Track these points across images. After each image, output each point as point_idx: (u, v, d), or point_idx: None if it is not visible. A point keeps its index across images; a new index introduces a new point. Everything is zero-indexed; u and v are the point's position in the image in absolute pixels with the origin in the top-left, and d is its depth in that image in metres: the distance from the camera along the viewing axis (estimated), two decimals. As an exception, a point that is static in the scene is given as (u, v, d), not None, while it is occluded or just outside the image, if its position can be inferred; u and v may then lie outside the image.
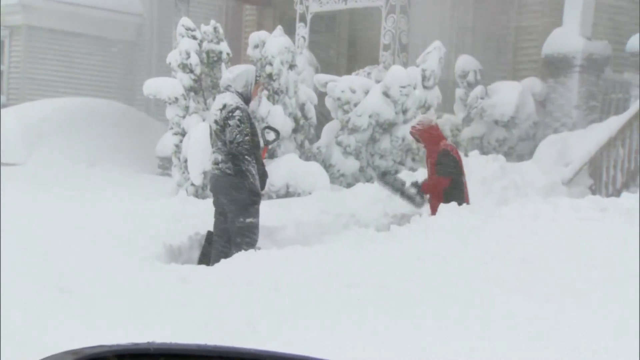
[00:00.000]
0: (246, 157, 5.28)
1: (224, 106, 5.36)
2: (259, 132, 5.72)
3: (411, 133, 6.51)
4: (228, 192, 5.47)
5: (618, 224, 4.35)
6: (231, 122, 5.26)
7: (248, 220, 5.42)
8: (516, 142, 9.99)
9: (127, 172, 11.30)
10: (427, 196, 6.34)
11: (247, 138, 5.26)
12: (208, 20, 9.84)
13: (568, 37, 9.44)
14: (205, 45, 9.34)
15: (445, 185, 6.05)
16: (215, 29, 9.40)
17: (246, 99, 5.49)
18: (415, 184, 6.33)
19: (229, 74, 5.57)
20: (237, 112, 5.28)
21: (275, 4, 14.21)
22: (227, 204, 5.51)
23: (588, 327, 2.89)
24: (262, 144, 5.85)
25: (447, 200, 5.80)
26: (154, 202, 7.71)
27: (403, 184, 6.49)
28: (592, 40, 9.53)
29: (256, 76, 5.55)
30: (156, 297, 3.56)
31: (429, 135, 6.28)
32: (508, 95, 9.82)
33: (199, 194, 8.73)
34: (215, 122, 5.44)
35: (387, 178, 6.66)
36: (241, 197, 5.42)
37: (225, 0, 15.24)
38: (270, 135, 6.06)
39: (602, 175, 8.41)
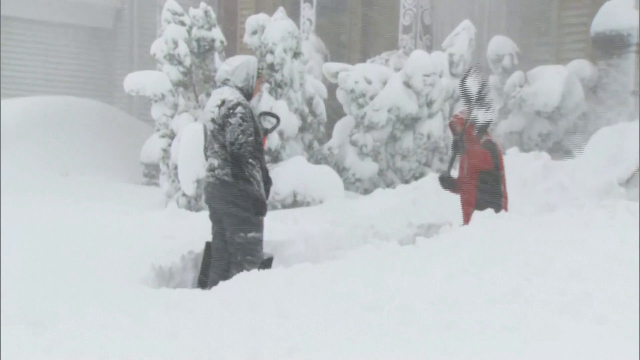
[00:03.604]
0: (250, 160, 5.31)
1: (223, 102, 5.41)
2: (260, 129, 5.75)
3: (451, 123, 6.46)
4: (226, 203, 5.50)
5: (684, 231, 4.34)
6: (232, 120, 5.29)
7: (250, 235, 5.46)
8: (562, 137, 9.99)
9: (107, 182, 11.38)
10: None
11: (250, 139, 5.29)
12: (197, 2, 9.92)
13: (622, 11, 9.43)
14: (195, 32, 9.42)
15: (488, 161, 6.04)
16: (206, 12, 9.48)
17: (247, 94, 5.53)
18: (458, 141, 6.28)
19: (226, 66, 5.62)
20: (239, 109, 5.32)
21: (275, -18, 14.27)
22: (226, 216, 5.54)
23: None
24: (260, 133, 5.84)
25: (480, 205, 5.80)
26: (139, 216, 7.76)
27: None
28: (651, 13, 9.51)
29: (258, 69, 5.59)
30: (143, 328, 3.58)
31: (471, 127, 6.23)
32: (552, 82, 9.83)
33: (192, 205, 8.79)
34: (213, 120, 5.48)
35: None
36: (242, 208, 5.44)
37: (218, -21, 15.34)
38: (269, 123, 6.07)
39: (665, 174, 8.37)
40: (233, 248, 5.53)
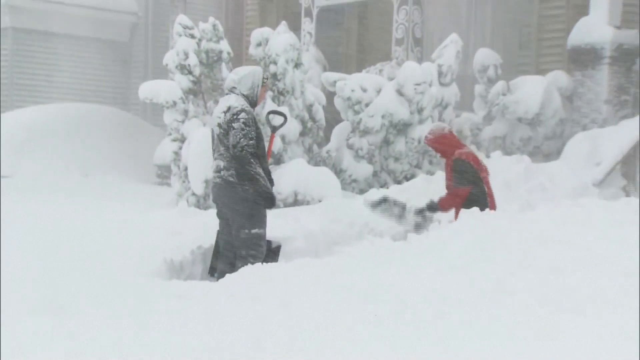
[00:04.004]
0: (251, 160, 5.28)
1: (229, 108, 5.39)
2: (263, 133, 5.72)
3: (425, 143, 6.55)
4: (231, 201, 5.47)
5: (656, 228, 4.30)
6: (235, 125, 5.28)
7: (253, 231, 5.43)
8: (542, 141, 9.95)
9: (123, 182, 11.36)
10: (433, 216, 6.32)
11: (251, 142, 5.27)
12: (206, 17, 9.88)
13: (595, 27, 9.41)
14: (204, 44, 9.37)
15: (464, 196, 6.01)
16: (214, 26, 9.43)
17: (252, 102, 5.50)
18: (430, 205, 6.27)
19: (233, 75, 5.59)
20: (242, 115, 5.30)
21: (278, -2, 14.24)
22: (231, 214, 5.51)
23: (624, 340, 2.85)
24: (266, 132, 5.80)
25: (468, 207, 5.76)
26: (152, 214, 7.74)
27: (403, 207, 6.41)
28: (622, 29, 9.49)
29: (263, 78, 5.55)
30: (156, 317, 3.55)
31: (442, 146, 6.29)
32: (532, 91, 9.80)
33: (200, 204, 8.75)
34: (219, 125, 5.45)
35: (383, 205, 6.53)
36: (245, 206, 5.41)
37: (225, -4, 15.30)
38: (277, 120, 6.00)
39: (636, 175, 8.35)
40: (238, 243, 5.50)
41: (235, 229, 5.51)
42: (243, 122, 5.28)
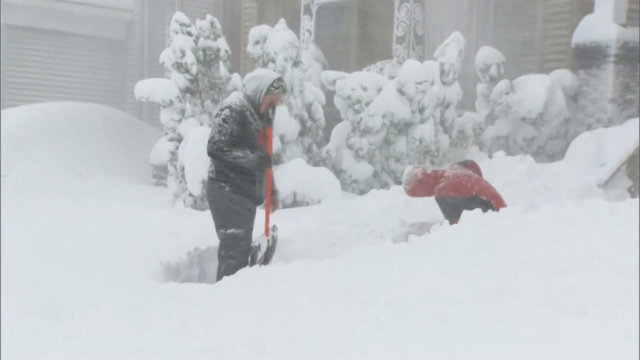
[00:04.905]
0: (224, 149, 5.25)
1: (222, 104, 5.49)
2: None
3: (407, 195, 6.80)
4: (209, 199, 5.55)
5: (660, 229, 4.35)
6: (216, 121, 5.37)
7: (229, 231, 5.43)
8: (546, 141, 10.00)
9: (118, 183, 11.39)
10: None
11: (224, 138, 5.28)
12: (204, 14, 9.93)
13: (601, 24, 9.45)
14: (201, 42, 9.42)
15: None
16: (212, 24, 9.48)
17: (254, 104, 5.50)
18: None
19: (250, 73, 5.66)
20: (226, 112, 5.35)
21: (277, -5, 14.29)
22: (210, 212, 5.57)
23: (625, 341, 2.90)
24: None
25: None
26: (148, 215, 7.78)
27: None
28: (628, 27, 9.53)
29: (271, 87, 5.49)
30: (152, 319, 3.59)
31: (422, 191, 6.48)
32: (535, 90, 9.84)
33: (197, 205, 8.79)
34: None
35: None
36: (219, 204, 5.45)
37: (223, -7, 15.34)
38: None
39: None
40: (219, 243, 5.54)
41: (215, 227, 5.56)
42: (222, 119, 5.33)
